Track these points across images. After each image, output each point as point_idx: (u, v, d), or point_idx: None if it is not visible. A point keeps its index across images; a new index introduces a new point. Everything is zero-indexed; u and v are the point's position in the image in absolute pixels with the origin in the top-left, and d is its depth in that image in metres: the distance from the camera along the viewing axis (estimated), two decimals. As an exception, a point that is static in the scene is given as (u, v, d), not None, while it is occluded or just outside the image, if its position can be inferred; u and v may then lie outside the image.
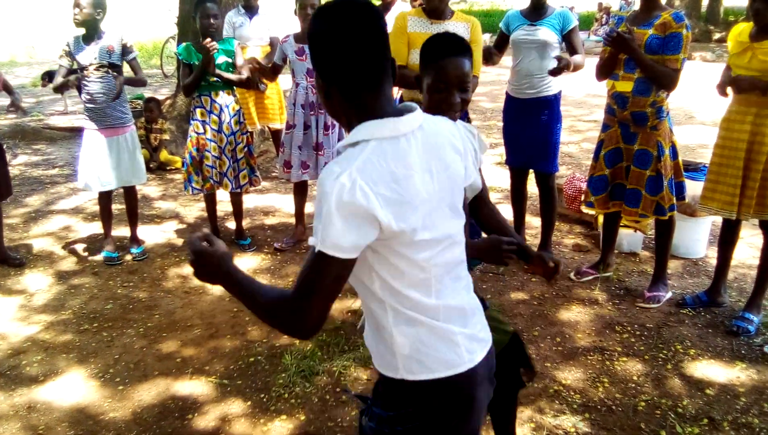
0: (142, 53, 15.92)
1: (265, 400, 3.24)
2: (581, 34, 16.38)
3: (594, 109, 9.71)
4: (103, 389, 3.38)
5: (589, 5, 23.62)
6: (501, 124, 4.73)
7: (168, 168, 7.12)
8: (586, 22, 20.82)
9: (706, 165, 3.91)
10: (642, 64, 3.62)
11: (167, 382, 3.43)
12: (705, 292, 4.04)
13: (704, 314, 3.93)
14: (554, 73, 4.12)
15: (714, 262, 4.13)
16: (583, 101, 10.02)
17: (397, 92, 4.73)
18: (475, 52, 3.01)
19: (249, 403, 3.22)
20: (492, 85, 12.22)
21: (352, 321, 3.96)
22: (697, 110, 9.56)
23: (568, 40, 4.31)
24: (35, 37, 19.25)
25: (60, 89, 4.65)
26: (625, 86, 3.77)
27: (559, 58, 4.12)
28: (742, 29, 3.60)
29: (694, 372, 3.37)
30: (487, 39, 19.30)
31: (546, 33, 4.25)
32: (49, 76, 9.51)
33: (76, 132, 8.36)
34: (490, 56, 4.34)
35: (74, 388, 3.39)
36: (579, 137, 8.49)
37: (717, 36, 19.78)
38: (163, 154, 7.13)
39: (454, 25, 3.86)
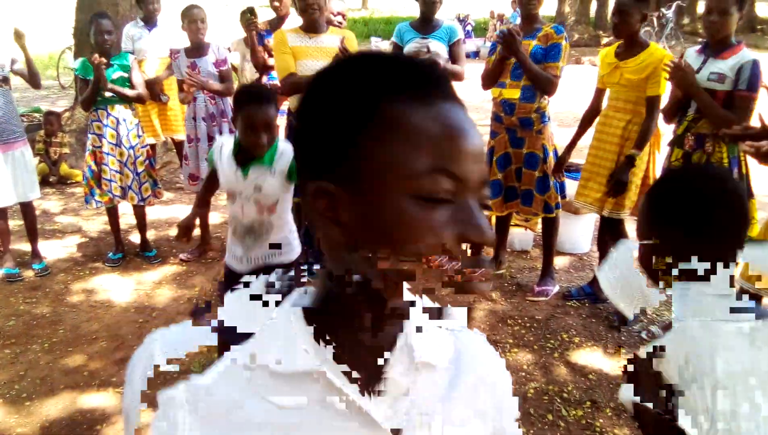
0: (38, 64, 15.32)
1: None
2: (477, 41, 16.82)
3: (486, 114, 10.08)
4: (9, 406, 3.36)
5: (484, 12, 24.36)
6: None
7: (68, 181, 6.99)
8: (482, 29, 21.52)
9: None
10: (526, 66, 3.90)
11: (74, 396, 3.44)
12: (588, 284, 4.38)
13: (588, 305, 4.26)
14: None
15: (597, 255, 4.46)
16: (480, 105, 10.40)
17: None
18: None
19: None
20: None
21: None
22: (582, 111, 10.08)
23: (452, 50, 4.56)
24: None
25: None
26: (513, 93, 4.07)
27: (421, 51, 4.36)
28: (607, 51, 3.98)
29: (578, 359, 3.66)
30: (387, 45, 19.67)
31: (436, 45, 4.49)
32: None
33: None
34: None
35: (-23, 406, 3.36)
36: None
37: (605, 40, 20.78)
38: (63, 168, 6.99)
39: (330, 38, 4.08)
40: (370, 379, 0.78)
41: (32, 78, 4.78)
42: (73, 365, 3.72)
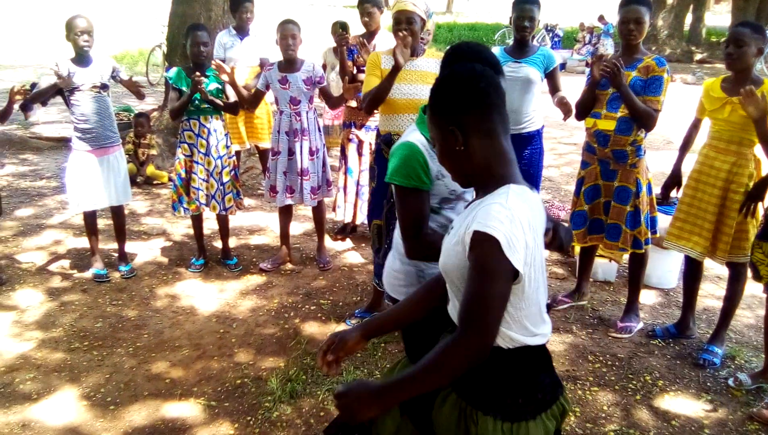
0: (127, 60, 15.95)
1: (251, 422, 3.36)
2: (564, 52, 16.60)
3: (574, 132, 9.93)
4: (94, 409, 3.48)
5: (572, 21, 23.92)
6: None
7: (154, 182, 7.21)
8: (569, 39, 21.12)
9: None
10: (629, 100, 3.78)
11: (157, 403, 3.53)
12: (674, 324, 4.23)
13: (673, 346, 4.11)
14: (565, 118, 4.31)
15: (683, 291, 4.30)
16: (565, 123, 10.24)
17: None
18: None
19: (236, 425, 3.34)
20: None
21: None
22: (675, 135, 9.77)
23: (550, 78, 4.48)
24: (18, 40, 19.17)
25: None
26: (608, 125, 3.95)
27: (563, 104, 4.27)
28: (713, 84, 3.80)
29: (662, 403, 3.54)
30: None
31: (530, 71, 4.41)
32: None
33: (62, 142, 8.41)
34: None
35: (67, 407, 3.49)
36: (560, 161, 8.70)
37: (698, 57, 20.17)
38: (150, 169, 7.21)
39: (426, 62, 4.04)
40: None
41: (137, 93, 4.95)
42: (156, 372, 3.82)
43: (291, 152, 4.88)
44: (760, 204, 3.70)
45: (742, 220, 3.70)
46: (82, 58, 4.61)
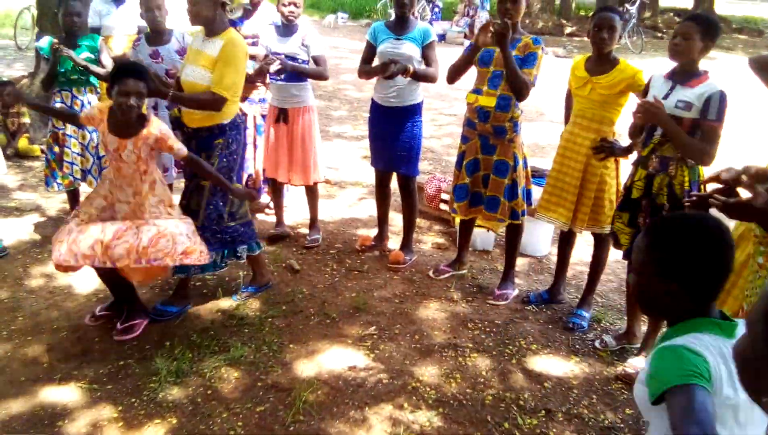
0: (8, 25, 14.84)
1: (136, 404, 3.32)
2: (444, 24, 16.85)
3: (454, 103, 10.17)
4: (-33, 397, 3.33)
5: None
6: (367, 114, 4.99)
7: (28, 156, 6.83)
8: (448, 11, 21.44)
9: (550, 172, 4.34)
10: (509, 63, 3.90)
11: (35, 389, 3.42)
12: (546, 290, 4.50)
13: (546, 311, 4.38)
14: (388, 77, 4.41)
15: (556, 259, 4.58)
16: (446, 94, 10.47)
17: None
18: (218, 69, 3.80)
19: (120, 407, 3.29)
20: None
21: (222, 320, 4.08)
22: (547, 108, 10.21)
23: (424, 53, 4.57)
24: None
25: None
26: (489, 101, 4.12)
27: (394, 62, 4.39)
28: (578, 63, 4.03)
29: (535, 366, 3.78)
30: (332, 20, 19.40)
31: (409, 47, 4.50)
32: None
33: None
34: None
35: (-65, 397, 3.32)
36: (440, 132, 8.91)
37: (569, 30, 20.94)
38: (23, 143, 6.82)
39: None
40: None
41: None
42: (33, 356, 3.70)
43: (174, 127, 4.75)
44: (615, 172, 3.99)
45: (599, 195, 3.98)
46: None
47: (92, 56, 4.60)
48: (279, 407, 3.35)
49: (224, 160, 3.92)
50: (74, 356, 3.70)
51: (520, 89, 4.02)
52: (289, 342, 3.91)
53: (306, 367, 3.68)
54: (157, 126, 3.61)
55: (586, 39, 18.10)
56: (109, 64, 4.69)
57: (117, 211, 3.73)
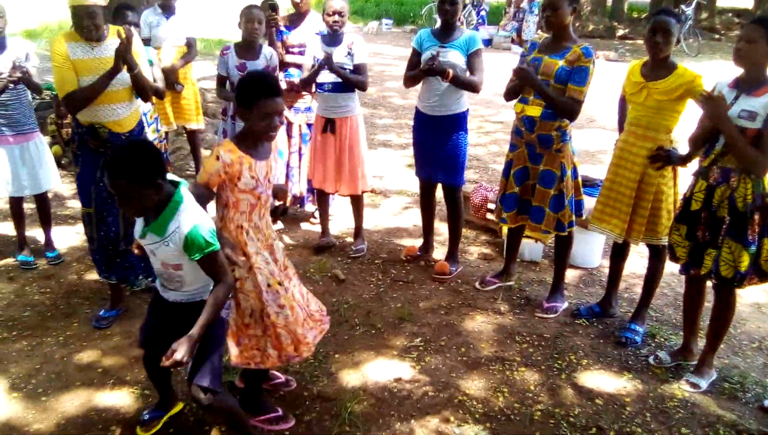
0: (47, 33, 15.15)
1: (186, 410, 3.33)
2: (491, 28, 16.69)
3: (501, 110, 10.06)
4: (26, 400, 3.40)
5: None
6: (412, 122, 4.94)
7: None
8: (495, 14, 21.30)
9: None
10: (545, 96, 3.90)
11: (89, 393, 3.47)
12: (598, 303, 4.38)
13: (597, 325, 4.27)
14: (427, 68, 4.36)
15: (608, 271, 4.46)
16: (492, 101, 10.37)
17: None
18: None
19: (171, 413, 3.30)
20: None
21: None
22: (598, 113, 10.04)
23: (469, 60, 4.51)
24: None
25: None
26: (534, 111, 4.03)
27: (433, 57, 4.34)
28: (633, 67, 3.91)
29: (586, 382, 3.67)
30: (375, 26, 19.41)
31: (454, 55, 4.45)
32: None
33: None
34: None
35: (-3, 399, 3.41)
36: (486, 139, 8.81)
37: (620, 33, 20.60)
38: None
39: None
40: None
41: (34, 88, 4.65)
42: (88, 361, 3.75)
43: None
44: (674, 179, 3.87)
45: (656, 205, 3.85)
46: None
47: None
48: (325, 417, 3.32)
49: None
50: (128, 362, 3.73)
51: (566, 115, 3.96)
52: (334, 352, 3.88)
53: (351, 378, 3.65)
54: None
55: (639, 42, 17.80)
56: (160, 77, 4.73)
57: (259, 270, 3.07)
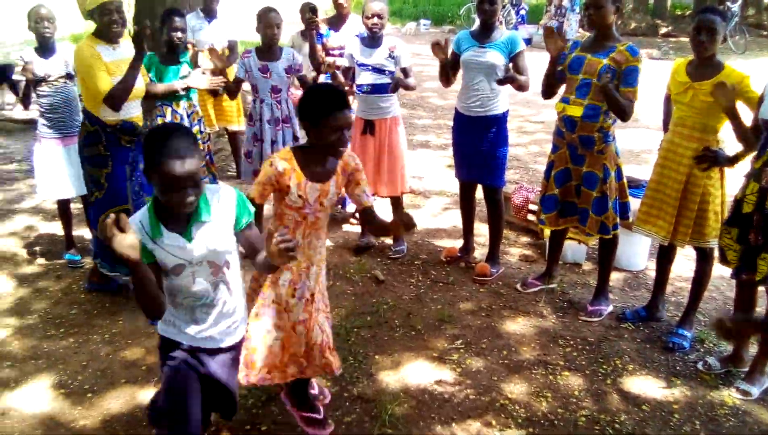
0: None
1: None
2: (530, 27, 16.50)
3: (542, 110, 9.93)
4: (72, 396, 3.46)
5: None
6: (451, 122, 4.90)
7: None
8: (535, 13, 21.07)
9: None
10: (613, 101, 3.79)
11: (134, 391, 3.52)
12: (644, 307, 4.28)
13: (643, 329, 4.16)
14: (500, 82, 4.36)
15: (654, 274, 4.35)
16: (533, 100, 10.24)
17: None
18: None
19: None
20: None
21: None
22: (641, 112, 9.80)
23: (514, 63, 4.46)
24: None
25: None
26: (575, 111, 3.95)
27: (507, 69, 4.36)
28: (678, 66, 3.81)
29: (632, 387, 3.58)
30: (412, 27, 19.40)
31: (494, 56, 4.39)
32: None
33: (31, 124, 8.21)
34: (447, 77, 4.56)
35: (44, 395, 3.48)
36: (527, 139, 8.71)
37: (663, 30, 20.21)
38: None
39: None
40: None
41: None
42: (132, 359, 3.80)
43: (273, 142, 4.83)
44: (722, 182, 3.76)
45: (703, 207, 3.74)
46: (45, 48, 4.55)
47: (192, 71, 4.72)
48: (365, 418, 3.30)
49: None
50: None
51: (622, 114, 3.87)
52: (374, 353, 3.86)
53: (391, 379, 3.62)
54: (348, 151, 2.96)
55: (683, 39, 17.40)
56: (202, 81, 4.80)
57: (303, 288, 3.00)
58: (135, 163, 4.10)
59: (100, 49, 3.85)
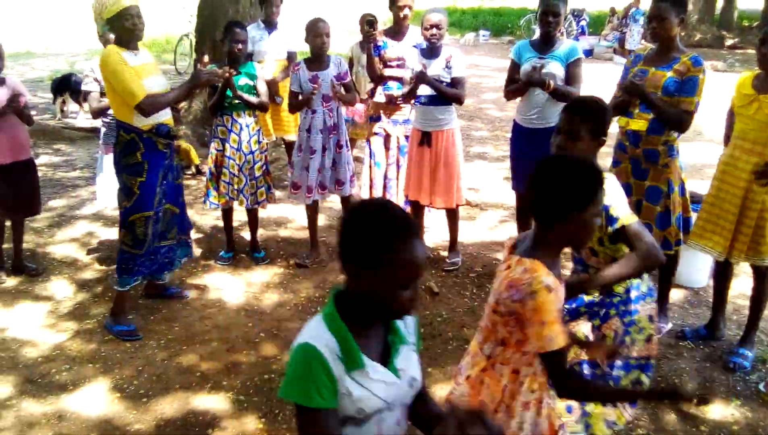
0: (155, 48, 15.98)
1: (280, 418, 3.41)
2: (592, 39, 16.19)
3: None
4: (128, 400, 3.57)
5: (601, 5, 23.44)
6: (509, 134, 4.90)
7: (185, 166, 7.23)
8: (596, 24, 20.82)
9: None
10: (655, 109, 3.75)
11: (188, 396, 3.61)
12: (704, 326, 4.19)
13: (703, 348, 4.08)
14: (527, 80, 4.37)
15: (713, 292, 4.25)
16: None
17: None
18: None
19: (264, 420, 3.40)
20: (500, 92, 12.31)
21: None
22: (705, 125, 9.58)
23: (568, 71, 4.44)
24: (49, 28, 19.42)
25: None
26: (640, 125, 3.90)
27: (534, 67, 4.32)
28: (745, 80, 3.74)
29: (691, 408, 3.51)
30: (471, 38, 19.30)
31: (554, 66, 4.38)
32: (63, 82, 9.36)
33: (94, 133, 8.53)
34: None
35: (101, 398, 3.59)
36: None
37: (729, 42, 19.72)
38: (193, 153, 7.30)
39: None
40: None
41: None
42: (187, 365, 3.89)
43: (324, 149, 4.92)
44: None
45: (761, 224, 3.65)
46: None
47: (250, 82, 4.82)
48: (418, 432, 3.31)
49: None
50: (224, 367, 3.86)
51: (674, 126, 3.81)
52: (427, 365, 3.87)
53: (445, 393, 3.62)
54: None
55: (750, 51, 16.89)
56: (264, 91, 4.90)
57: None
58: (168, 169, 4.19)
59: (125, 55, 3.90)
